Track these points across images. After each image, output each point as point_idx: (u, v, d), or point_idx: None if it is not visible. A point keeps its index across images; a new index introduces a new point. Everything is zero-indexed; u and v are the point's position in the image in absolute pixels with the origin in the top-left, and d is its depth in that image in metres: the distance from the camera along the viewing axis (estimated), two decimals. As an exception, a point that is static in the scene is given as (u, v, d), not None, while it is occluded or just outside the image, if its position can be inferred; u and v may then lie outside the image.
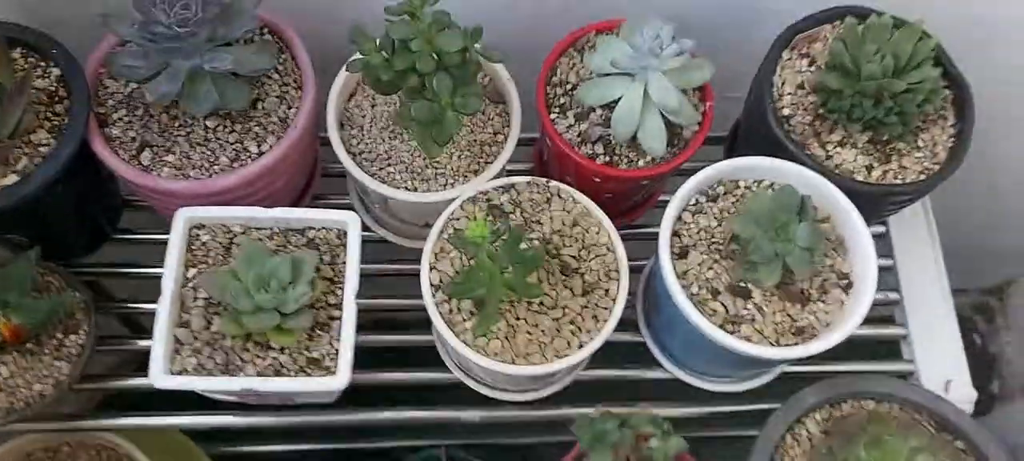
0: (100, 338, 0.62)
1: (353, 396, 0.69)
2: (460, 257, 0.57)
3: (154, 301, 0.54)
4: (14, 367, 0.58)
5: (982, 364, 1.23)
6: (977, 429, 0.63)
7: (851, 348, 0.77)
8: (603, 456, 0.60)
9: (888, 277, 0.74)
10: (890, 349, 0.74)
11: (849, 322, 0.58)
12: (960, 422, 0.63)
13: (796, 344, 0.58)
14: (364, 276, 0.69)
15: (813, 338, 0.58)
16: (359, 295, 0.58)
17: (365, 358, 0.69)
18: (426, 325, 0.68)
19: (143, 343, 0.64)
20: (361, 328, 0.68)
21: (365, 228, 0.70)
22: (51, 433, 0.64)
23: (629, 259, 0.61)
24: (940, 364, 0.71)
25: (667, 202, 0.60)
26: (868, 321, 0.73)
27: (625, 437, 0.61)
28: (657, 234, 0.59)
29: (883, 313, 0.74)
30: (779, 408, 0.63)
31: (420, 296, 0.58)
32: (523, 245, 0.54)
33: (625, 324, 0.70)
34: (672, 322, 0.63)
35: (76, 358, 0.59)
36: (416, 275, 0.59)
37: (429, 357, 0.69)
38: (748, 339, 0.57)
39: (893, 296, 0.73)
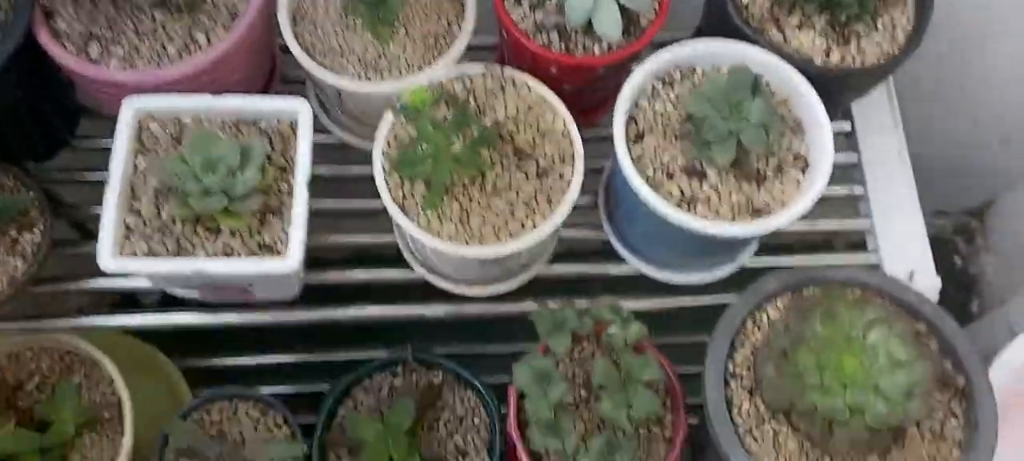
0: (57, 243, 0.62)
1: (316, 297, 0.69)
2: (399, 144, 0.57)
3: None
4: (-33, 264, 0.58)
5: (962, 285, 1.24)
6: (939, 314, 0.63)
7: (814, 243, 0.78)
8: (562, 341, 0.60)
9: (853, 172, 0.74)
10: (854, 244, 0.74)
11: (805, 199, 0.58)
12: (922, 307, 0.63)
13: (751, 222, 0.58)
14: (323, 179, 0.69)
15: (769, 217, 0.58)
16: (318, 195, 0.58)
17: (328, 262, 0.69)
18: (389, 229, 0.68)
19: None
20: (322, 230, 0.68)
21: (325, 131, 0.70)
22: (9, 335, 0.64)
23: (590, 159, 0.61)
24: (904, 255, 0.71)
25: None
26: (832, 215, 0.74)
27: (585, 325, 0.61)
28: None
29: (847, 208, 0.74)
30: (739, 296, 0.63)
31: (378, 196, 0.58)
32: (472, 124, 0.54)
33: (588, 222, 0.71)
34: (631, 210, 0.63)
35: (32, 256, 0.59)
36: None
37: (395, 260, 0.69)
38: (704, 218, 0.57)
39: (858, 190, 0.73)
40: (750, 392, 0.61)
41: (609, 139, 0.69)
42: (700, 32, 0.73)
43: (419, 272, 0.66)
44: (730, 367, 0.62)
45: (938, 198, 0.88)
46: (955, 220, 1.24)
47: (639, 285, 0.71)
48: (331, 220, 0.69)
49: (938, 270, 0.71)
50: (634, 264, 0.68)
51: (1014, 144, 1.03)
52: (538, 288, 0.69)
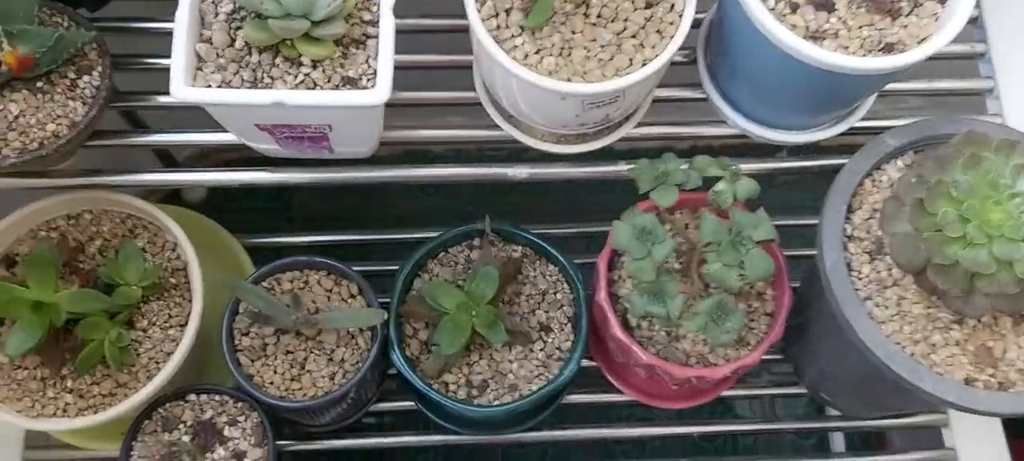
0: (116, 93, 0.58)
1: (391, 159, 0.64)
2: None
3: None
4: (25, 105, 0.53)
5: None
6: (1078, 171, 0.57)
7: (931, 108, 0.71)
8: (668, 196, 0.55)
9: (974, 30, 0.67)
10: (974, 106, 0.67)
11: (945, 31, 0.51)
12: (1059, 163, 0.57)
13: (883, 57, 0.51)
14: (402, 33, 0.64)
15: (903, 53, 0.52)
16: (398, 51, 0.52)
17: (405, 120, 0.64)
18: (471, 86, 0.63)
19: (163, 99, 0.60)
20: (399, 87, 0.63)
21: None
22: (72, 193, 0.60)
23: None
24: (1031, 116, 0.64)
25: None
26: (951, 75, 0.67)
27: (690, 178, 0.56)
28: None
29: (967, 68, 0.67)
30: (857, 152, 0.57)
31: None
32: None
33: (685, 82, 0.65)
34: (742, 59, 0.57)
35: (91, 99, 0.54)
36: (461, 31, 0.53)
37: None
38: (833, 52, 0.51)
39: (980, 48, 0.66)
40: (870, 255, 0.56)
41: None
42: None
43: (505, 129, 0.61)
44: (847, 229, 0.57)
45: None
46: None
47: (741, 151, 0.65)
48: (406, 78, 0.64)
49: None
50: (738, 123, 0.63)
51: None
52: (630, 154, 0.64)
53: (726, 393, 0.69)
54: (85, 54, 0.55)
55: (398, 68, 0.63)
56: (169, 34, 0.48)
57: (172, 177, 0.63)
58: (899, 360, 0.53)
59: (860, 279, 0.55)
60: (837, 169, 0.56)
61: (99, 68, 0.55)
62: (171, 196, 1.10)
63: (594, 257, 0.61)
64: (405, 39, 0.64)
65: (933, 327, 0.54)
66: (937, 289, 0.51)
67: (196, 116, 0.55)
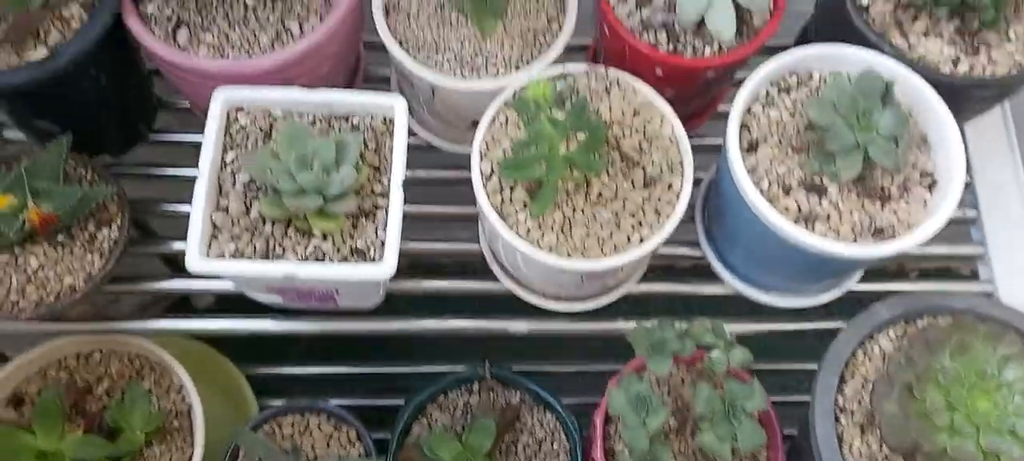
0: (132, 241, 0.60)
1: (395, 307, 0.66)
2: (512, 145, 0.53)
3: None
4: (44, 259, 0.55)
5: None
6: (1067, 349, 0.58)
7: (924, 271, 0.73)
8: (663, 364, 0.56)
9: (966, 195, 0.69)
10: (967, 269, 0.69)
11: (935, 220, 0.53)
12: (1049, 340, 0.58)
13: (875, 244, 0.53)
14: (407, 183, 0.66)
15: (893, 239, 0.54)
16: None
17: (408, 270, 0.65)
18: (472, 238, 0.65)
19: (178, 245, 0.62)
20: (404, 237, 0.65)
21: (410, 133, 0.67)
22: (83, 336, 0.61)
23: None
24: (1021, 283, 0.66)
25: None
26: (943, 239, 0.69)
27: (685, 346, 0.57)
28: (718, 145, 0.55)
29: (959, 231, 0.69)
30: (849, 323, 0.59)
31: (465, 203, 0.54)
32: (585, 126, 0.50)
33: (682, 239, 0.67)
34: (736, 227, 0.59)
35: (108, 252, 0.56)
36: (463, 183, 0.55)
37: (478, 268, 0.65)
38: (824, 237, 0.53)
39: (970, 213, 0.68)
40: (862, 429, 0.56)
41: (708, 149, 0.65)
42: (806, 35, 0.69)
43: (506, 284, 0.62)
44: (839, 401, 0.57)
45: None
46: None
47: (733, 308, 0.66)
48: (411, 226, 0.66)
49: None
50: (733, 285, 0.64)
51: None
52: (628, 307, 0.65)
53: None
54: (106, 207, 0.57)
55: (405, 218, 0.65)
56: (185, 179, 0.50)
57: (181, 325, 0.64)
58: (888, 541, 0.53)
59: (851, 453, 0.56)
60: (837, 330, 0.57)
61: (118, 221, 0.57)
62: (181, 302, 1.12)
63: (598, 397, 0.61)
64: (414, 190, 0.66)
65: (924, 506, 0.54)
66: (927, 473, 0.52)
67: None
